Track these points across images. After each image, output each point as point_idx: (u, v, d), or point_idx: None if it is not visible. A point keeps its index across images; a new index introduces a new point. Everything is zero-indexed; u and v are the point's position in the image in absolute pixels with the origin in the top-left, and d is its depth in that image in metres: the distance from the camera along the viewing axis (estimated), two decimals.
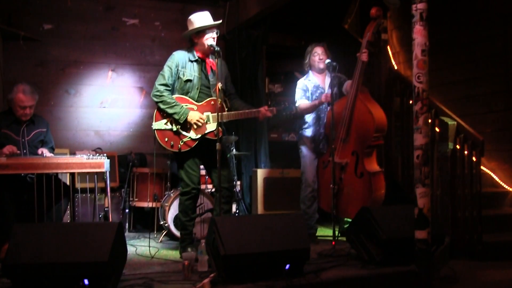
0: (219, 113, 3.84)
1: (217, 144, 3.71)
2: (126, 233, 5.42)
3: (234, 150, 5.78)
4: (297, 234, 3.39)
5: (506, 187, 5.40)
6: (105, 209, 4.00)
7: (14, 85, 4.39)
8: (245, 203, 6.44)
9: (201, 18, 4.16)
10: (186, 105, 4.08)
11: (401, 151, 5.63)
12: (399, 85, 5.89)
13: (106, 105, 6.48)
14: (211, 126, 4.09)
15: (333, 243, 4.25)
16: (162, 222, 5.20)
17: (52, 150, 4.45)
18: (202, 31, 4.14)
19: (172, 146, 4.05)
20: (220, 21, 4.28)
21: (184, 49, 4.28)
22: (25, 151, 4.26)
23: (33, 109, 4.35)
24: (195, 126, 4.06)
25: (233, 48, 6.69)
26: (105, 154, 4.05)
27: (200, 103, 4.15)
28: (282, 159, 6.89)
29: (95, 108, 6.44)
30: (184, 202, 4.11)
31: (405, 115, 5.61)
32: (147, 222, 5.68)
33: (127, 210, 5.52)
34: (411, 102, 5.43)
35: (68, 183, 4.18)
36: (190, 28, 4.19)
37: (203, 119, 4.08)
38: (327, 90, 4.97)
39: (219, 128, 3.84)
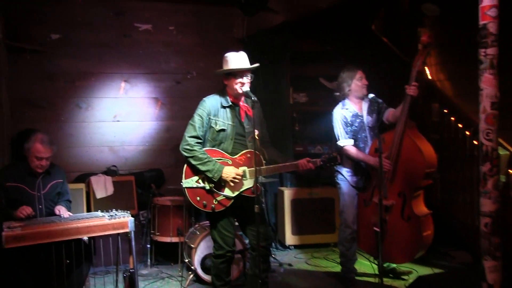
0: (257, 168, 3.41)
1: (256, 206, 3.28)
2: (149, 270, 5.08)
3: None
4: None
5: None
6: (131, 270, 3.60)
7: (32, 133, 3.96)
8: (271, 224, 6.10)
9: (234, 59, 3.69)
10: (219, 159, 3.63)
11: (439, 171, 5.22)
12: (437, 99, 5.53)
13: (120, 118, 6.05)
14: (248, 183, 3.64)
15: None
16: (187, 260, 4.82)
17: (68, 203, 4.04)
18: (233, 73, 3.67)
19: (205, 206, 3.61)
20: (257, 64, 3.78)
21: (216, 93, 3.81)
22: (40, 206, 3.85)
23: (49, 161, 3.91)
24: (231, 184, 3.63)
25: (253, 55, 6.19)
26: (129, 212, 3.65)
27: (235, 156, 3.69)
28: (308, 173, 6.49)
29: (108, 122, 6.01)
30: (218, 266, 3.70)
31: (445, 127, 5.28)
32: (169, 254, 5.32)
33: (148, 246, 5.15)
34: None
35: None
36: (224, 67, 3.74)
37: (240, 175, 3.63)
38: (365, 117, 4.54)
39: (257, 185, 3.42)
